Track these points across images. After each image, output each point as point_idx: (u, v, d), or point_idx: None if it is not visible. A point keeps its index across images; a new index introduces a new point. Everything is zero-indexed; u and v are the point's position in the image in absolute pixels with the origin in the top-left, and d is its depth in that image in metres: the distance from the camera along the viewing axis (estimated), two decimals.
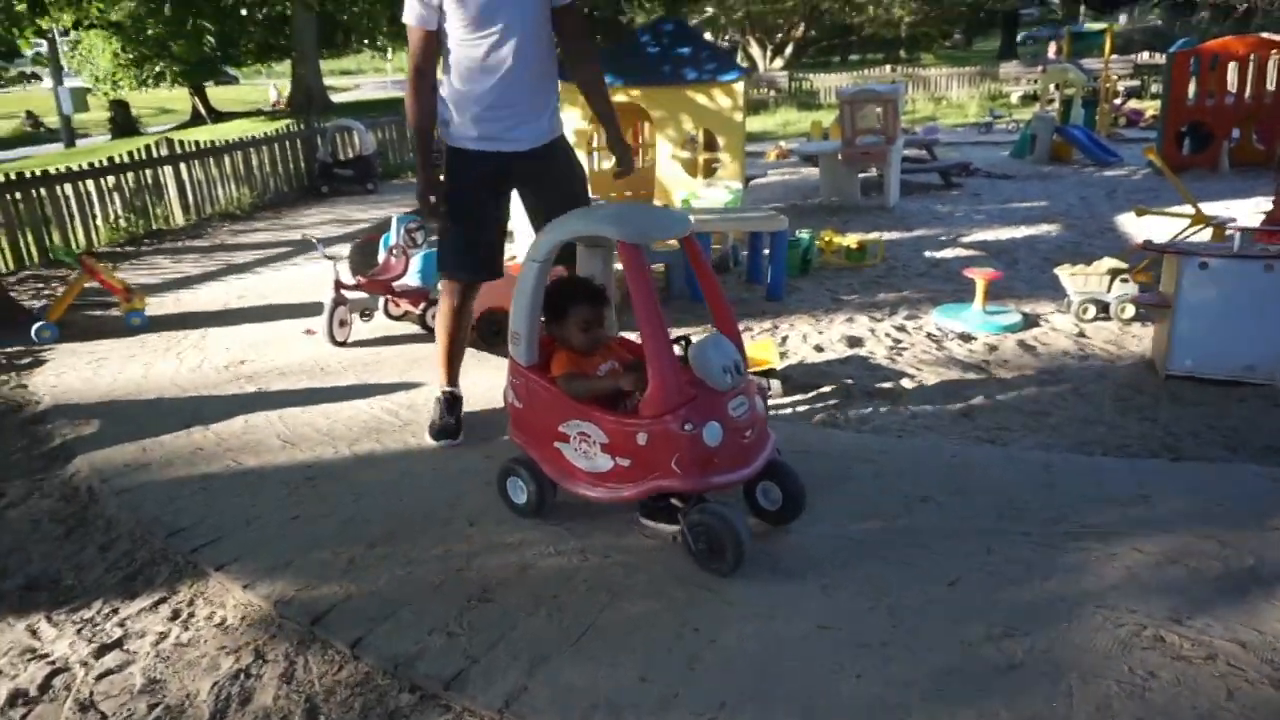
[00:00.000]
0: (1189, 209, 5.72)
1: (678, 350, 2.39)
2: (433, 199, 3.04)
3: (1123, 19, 37.40)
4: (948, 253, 6.56)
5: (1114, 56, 16.18)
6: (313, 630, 2.20)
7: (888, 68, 24.20)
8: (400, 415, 3.54)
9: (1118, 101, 15.51)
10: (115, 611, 2.38)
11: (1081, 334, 4.60)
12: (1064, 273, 4.90)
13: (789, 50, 30.17)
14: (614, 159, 3.22)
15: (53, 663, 2.18)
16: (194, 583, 2.48)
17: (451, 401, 3.29)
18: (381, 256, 5.01)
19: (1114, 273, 4.75)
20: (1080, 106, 12.16)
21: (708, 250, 5.35)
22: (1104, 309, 4.78)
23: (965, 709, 1.79)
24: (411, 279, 4.78)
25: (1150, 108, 15.11)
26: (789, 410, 3.65)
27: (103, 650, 2.21)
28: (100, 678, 2.11)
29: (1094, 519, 2.52)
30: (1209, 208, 6.25)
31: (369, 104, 24.08)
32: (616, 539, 2.51)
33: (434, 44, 2.96)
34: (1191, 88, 10.13)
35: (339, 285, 4.52)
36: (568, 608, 2.21)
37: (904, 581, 2.25)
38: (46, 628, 2.33)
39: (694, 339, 2.47)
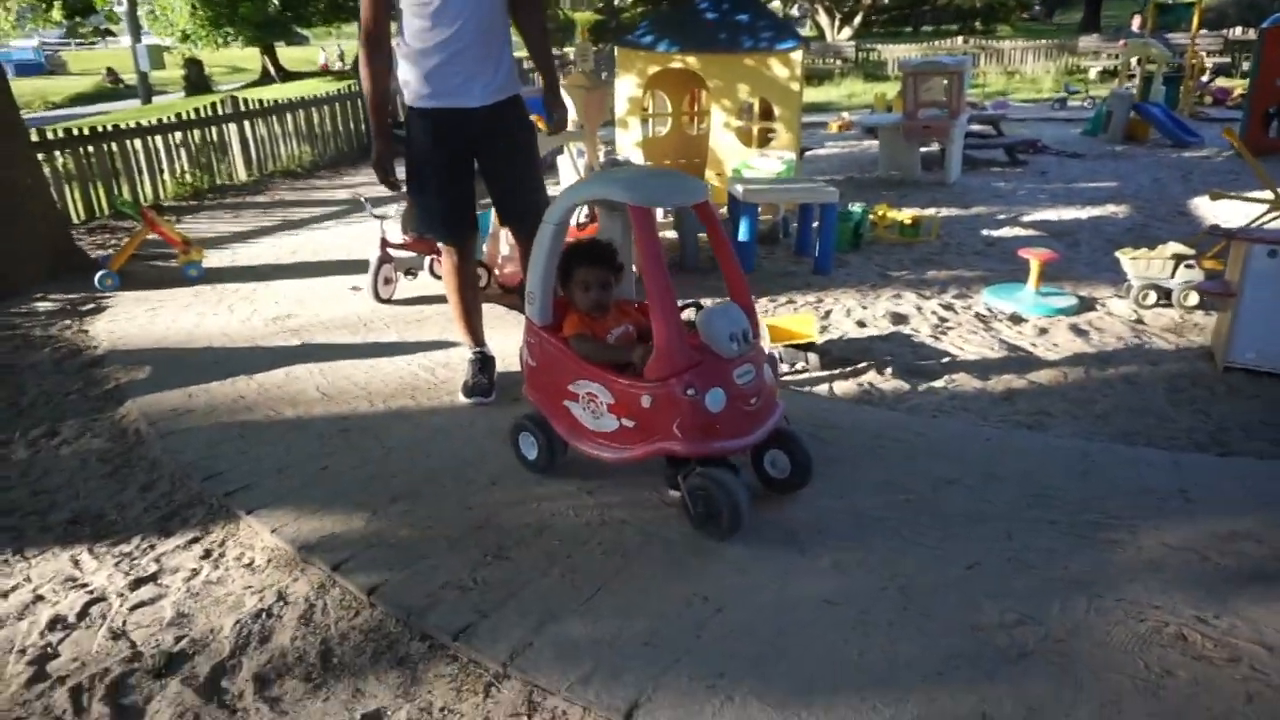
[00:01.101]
0: (1268, 194, 5.45)
1: (691, 315, 2.39)
2: (384, 169, 3.10)
3: None
4: (1006, 232, 6.36)
5: (1203, 31, 15.39)
6: (333, 576, 2.26)
7: (960, 39, 23.39)
8: (436, 373, 3.59)
9: (1204, 79, 14.78)
10: (152, 548, 2.48)
11: (1139, 320, 4.43)
12: (1125, 256, 4.71)
13: (858, 19, 29.37)
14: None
15: (91, 592, 2.29)
16: (226, 525, 2.57)
17: (483, 361, 3.34)
18: None
19: (1178, 258, 4.55)
20: (1161, 83, 11.61)
21: (754, 220, 5.28)
22: (1166, 295, 4.59)
23: (967, 694, 1.76)
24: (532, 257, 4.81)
25: (1239, 86, 14.34)
26: (825, 385, 3.60)
27: (138, 583, 2.31)
28: (134, 609, 2.21)
29: (1125, 510, 2.45)
30: None
31: None
32: (636, 504, 2.52)
33: (386, 6, 2.96)
34: None
35: (385, 244, 4.58)
36: (580, 569, 2.23)
37: (920, 562, 2.22)
38: (88, 559, 2.44)
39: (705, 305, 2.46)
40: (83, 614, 2.20)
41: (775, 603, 2.08)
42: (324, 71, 26.85)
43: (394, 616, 2.10)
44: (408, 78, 3.06)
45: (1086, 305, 4.63)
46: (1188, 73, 12.61)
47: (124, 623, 2.16)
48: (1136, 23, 21.02)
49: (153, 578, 2.34)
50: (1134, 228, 6.38)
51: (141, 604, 2.23)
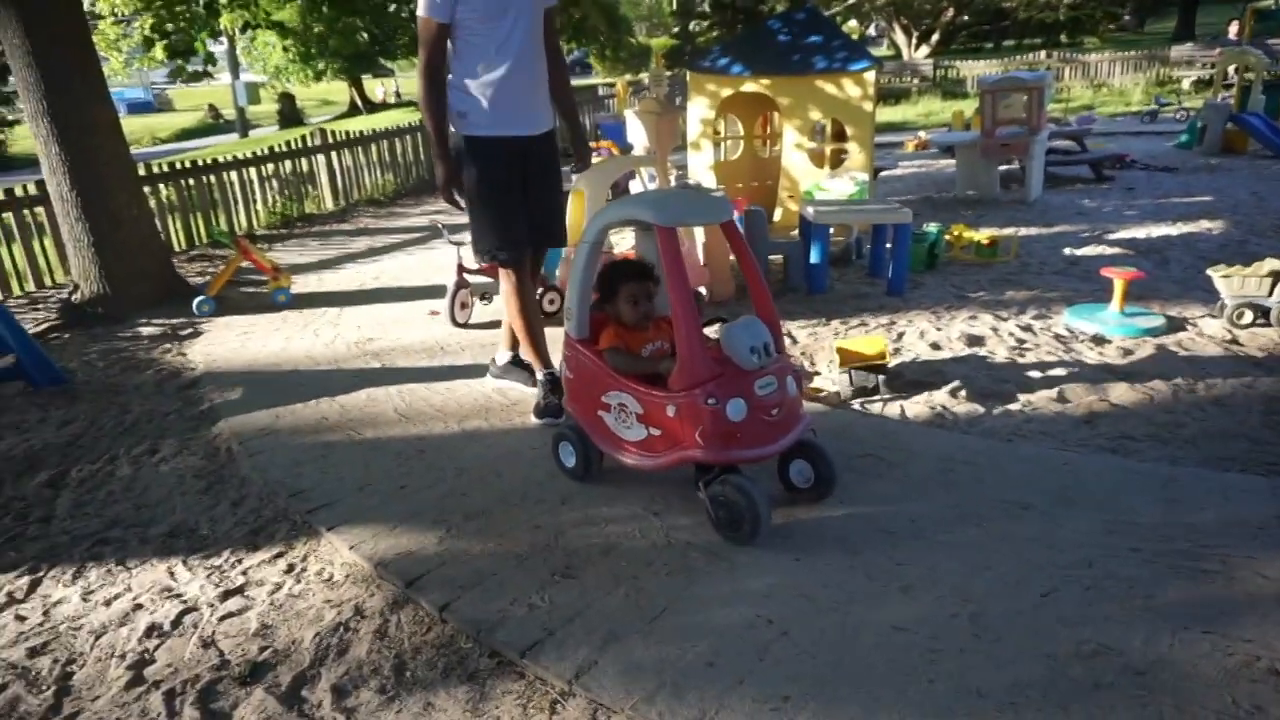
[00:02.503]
0: None
1: (715, 331, 2.51)
2: (454, 191, 3.24)
3: None
4: (1089, 250, 6.16)
5: None
6: (407, 592, 2.34)
7: (1042, 54, 22.80)
8: (509, 395, 3.68)
9: None
10: (240, 561, 2.61)
11: (1233, 340, 4.23)
12: (1217, 274, 4.51)
13: (936, 37, 28.94)
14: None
15: (185, 602, 2.42)
16: (308, 540, 2.69)
17: (553, 382, 3.40)
18: None
19: (1276, 275, 4.34)
20: (1260, 92, 11.09)
21: (826, 241, 5.25)
22: (1263, 314, 4.38)
23: None
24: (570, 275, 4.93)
25: None
26: (896, 407, 3.55)
27: (227, 595, 2.44)
28: (223, 619, 2.33)
29: (1215, 539, 2.34)
30: None
31: None
32: (701, 527, 2.53)
33: (447, 36, 3.12)
34: None
35: (462, 269, 4.73)
36: (646, 589, 2.26)
37: (992, 590, 2.17)
38: (182, 570, 2.58)
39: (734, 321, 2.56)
40: (177, 623, 2.33)
41: (841, 627, 2.06)
42: (383, 104, 27.91)
43: (464, 633, 2.16)
44: (465, 108, 3.20)
45: (1176, 326, 4.44)
46: None
47: (213, 632, 2.28)
48: (1234, 29, 20.14)
49: (240, 590, 2.46)
50: (1230, 244, 6.10)
51: (230, 615, 2.34)
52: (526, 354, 3.49)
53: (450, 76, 3.22)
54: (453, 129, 3.26)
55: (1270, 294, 4.35)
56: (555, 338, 3.55)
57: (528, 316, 3.40)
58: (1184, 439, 3.23)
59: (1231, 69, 11.84)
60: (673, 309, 2.44)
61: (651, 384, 2.56)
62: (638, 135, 6.00)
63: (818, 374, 3.95)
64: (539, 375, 3.45)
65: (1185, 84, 17.97)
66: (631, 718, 1.82)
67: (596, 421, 2.72)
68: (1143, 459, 3.01)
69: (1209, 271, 4.62)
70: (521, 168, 3.28)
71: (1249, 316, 4.38)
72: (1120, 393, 3.64)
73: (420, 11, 3.10)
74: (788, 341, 4.42)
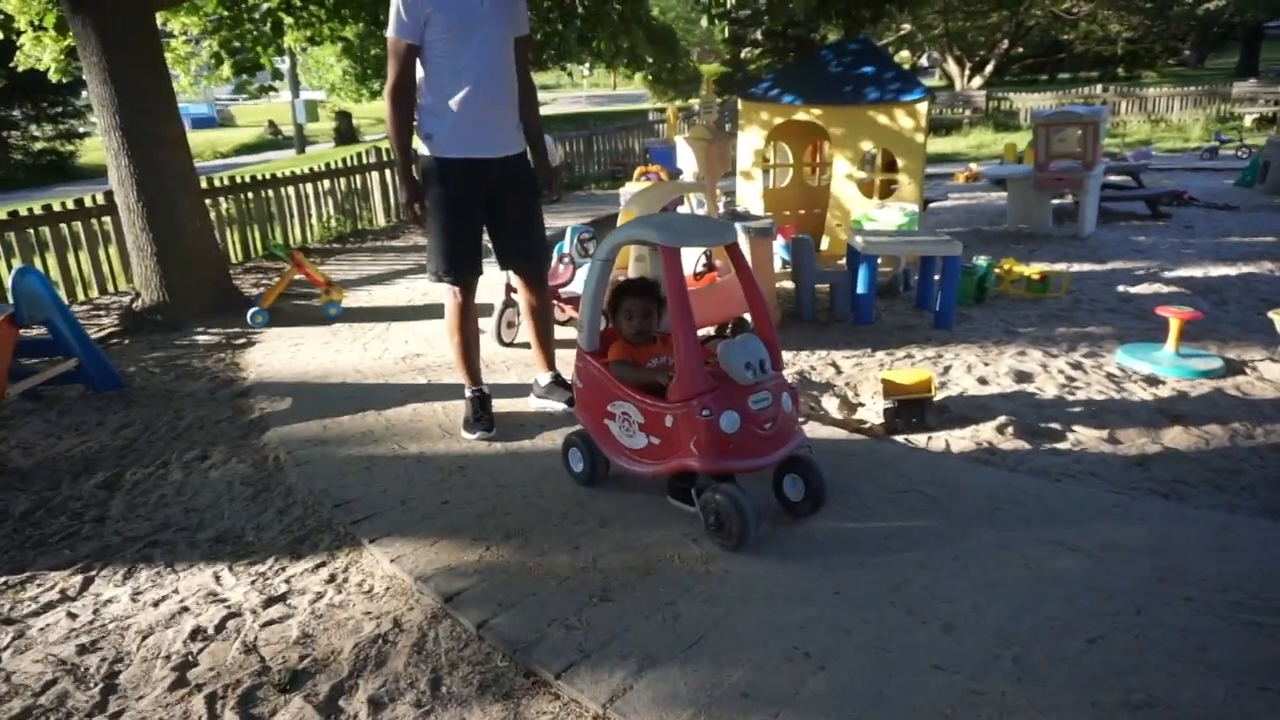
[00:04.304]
0: None
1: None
2: (416, 206, 3.31)
3: None
4: (1144, 288, 6.04)
5: None
6: (445, 608, 2.36)
7: (1099, 87, 22.49)
8: (553, 415, 3.70)
9: None
10: (283, 569, 2.66)
11: None
12: (1277, 316, 4.39)
13: (990, 68, 28.73)
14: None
15: (229, 607, 2.47)
16: (350, 551, 2.73)
17: (481, 399, 3.53)
18: (552, 263, 5.26)
19: None
20: None
21: (874, 271, 5.21)
22: None
23: None
24: (577, 286, 4.98)
25: None
26: (941, 442, 3.50)
27: (270, 602, 2.48)
28: (265, 625, 2.37)
29: (1272, 593, 2.27)
30: None
31: (561, 118, 25.18)
32: (742, 557, 2.52)
33: (414, 61, 3.20)
34: None
35: (509, 289, 4.78)
36: (683, 616, 2.25)
37: (1037, 632, 2.12)
38: (228, 576, 2.64)
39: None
40: (220, 627, 2.37)
41: (880, 663, 2.03)
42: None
43: (501, 650, 2.17)
44: (431, 130, 3.28)
45: (1234, 368, 4.32)
46: None
47: (255, 638, 2.32)
48: None
49: (283, 598, 2.50)
50: None
51: (271, 622, 2.38)
52: (457, 367, 3.59)
53: (419, 100, 3.30)
54: (423, 150, 3.34)
55: None
56: (565, 350, 3.62)
57: (463, 337, 3.52)
58: (1241, 486, 3.14)
59: None
60: (671, 325, 2.58)
61: (654, 395, 2.69)
62: (688, 161, 6.03)
63: (861, 405, 3.91)
64: (467, 392, 3.57)
65: (1247, 120, 17.58)
66: None
67: (603, 429, 2.87)
68: (1197, 505, 2.93)
69: (1270, 314, 4.50)
70: (487, 190, 3.36)
71: None
72: (1174, 435, 3.55)
73: (389, 33, 3.19)
74: (831, 371, 4.39)
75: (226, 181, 7.90)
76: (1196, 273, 6.46)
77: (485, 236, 3.52)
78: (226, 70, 8.33)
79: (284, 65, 25.23)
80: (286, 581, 2.58)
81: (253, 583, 2.59)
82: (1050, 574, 2.38)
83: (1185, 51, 33.86)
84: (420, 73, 3.27)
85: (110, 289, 6.75)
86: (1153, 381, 4.19)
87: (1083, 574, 2.38)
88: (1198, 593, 2.28)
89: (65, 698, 2.11)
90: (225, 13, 7.59)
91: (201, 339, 5.33)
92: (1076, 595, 2.28)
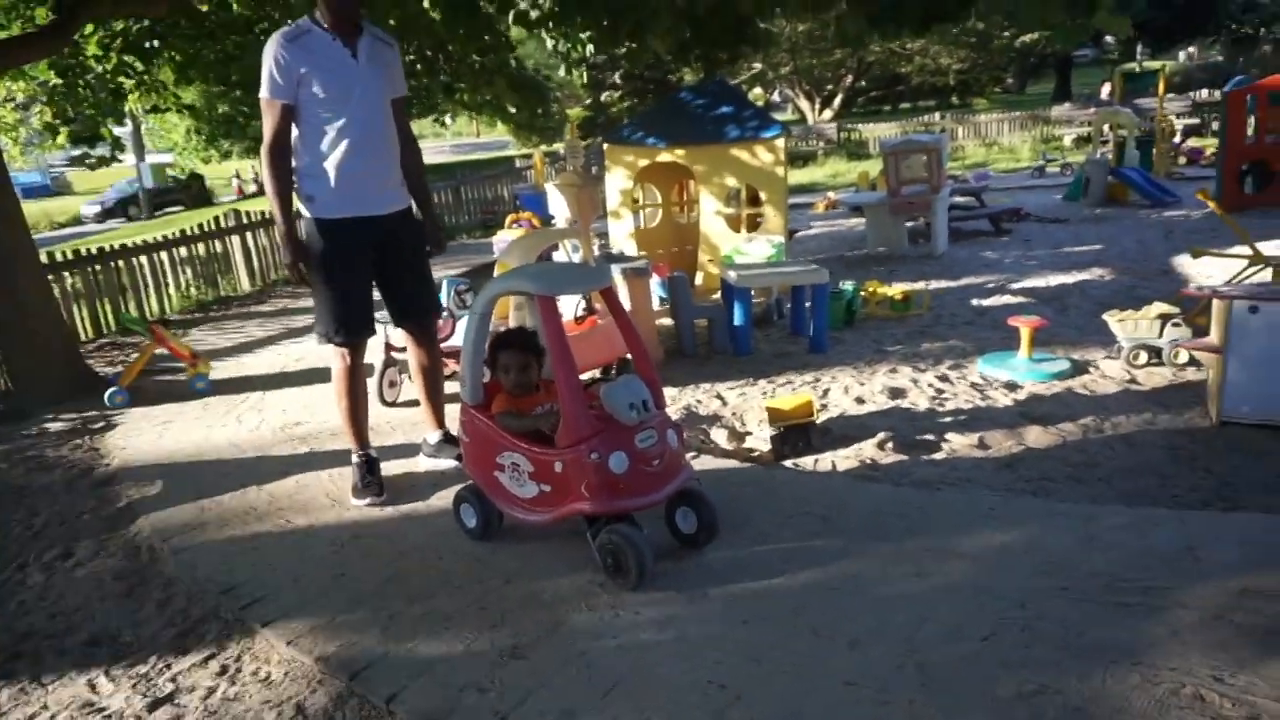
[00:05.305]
0: (1247, 249, 5.60)
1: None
2: (301, 266, 3.26)
3: (1182, 56, 36.85)
4: (996, 300, 6.49)
5: (1171, 95, 15.92)
6: (351, 685, 2.27)
7: (937, 115, 24.17)
8: (446, 474, 3.63)
9: (1176, 140, 15.22)
10: (168, 667, 2.49)
11: (1133, 380, 4.50)
12: (1112, 319, 4.81)
13: (838, 101, 30.41)
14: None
15: (108, 717, 2.28)
16: (242, 639, 2.58)
17: (369, 463, 3.47)
18: None
19: (1164, 317, 4.65)
20: (1134, 148, 11.98)
21: (748, 304, 5.39)
22: (1156, 354, 4.67)
23: None
24: (457, 339, 4.92)
25: (1210, 146, 14.78)
26: (828, 463, 3.64)
27: (155, 704, 2.31)
28: None
29: (1136, 574, 2.46)
30: (1271, 247, 6.09)
31: (428, 168, 24.98)
32: (648, 598, 2.54)
33: (289, 120, 3.18)
34: (1251, 126, 9.93)
35: (389, 348, 4.68)
36: (596, 664, 2.24)
37: (935, 638, 2.23)
38: (104, 682, 2.45)
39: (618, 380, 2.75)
40: None
41: (794, 686, 2.08)
42: (240, 195, 27.61)
43: None
44: (313, 192, 3.25)
45: (1080, 369, 4.70)
46: (1158, 136, 13.02)
47: None
48: (1105, 90, 21.75)
49: (170, 698, 2.34)
50: (1120, 289, 6.51)
51: None
52: (344, 430, 3.51)
53: (296, 163, 3.26)
54: (305, 213, 3.29)
55: (1160, 335, 4.65)
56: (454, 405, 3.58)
57: (352, 400, 3.45)
58: (1098, 477, 3.41)
59: (1106, 127, 12.77)
60: (554, 371, 2.63)
61: (541, 443, 2.72)
62: (559, 207, 6.10)
63: (749, 434, 4.02)
64: (354, 458, 3.49)
65: (1067, 140, 19.25)
66: None
67: (493, 482, 2.86)
68: (1063, 499, 3.15)
69: (1105, 316, 4.92)
70: (374, 248, 3.33)
71: (1144, 357, 4.67)
72: (1035, 436, 3.82)
73: (263, 93, 3.14)
74: (718, 404, 4.50)
75: (70, 254, 7.42)
76: (1039, 283, 7.00)
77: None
78: (62, 139, 7.87)
79: (125, 130, 24.00)
80: (173, 680, 2.42)
81: (134, 685, 2.41)
82: (940, 581, 2.51)
83: (1009, 80, 36.88)
84: (296, 134, 3.21)
85: None
86: (1012, 387, 4.50)
87: (970, 577, 2.52)
88: (1072, 582, 2.45)
89: None
90: (58, 80, 7.17)
91: (53, 426, 4.96)
92: (966, 598, 2.41)
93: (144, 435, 4.59)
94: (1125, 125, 11.82)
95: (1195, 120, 18.75)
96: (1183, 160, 14.27)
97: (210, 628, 2.66)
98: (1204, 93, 20.55)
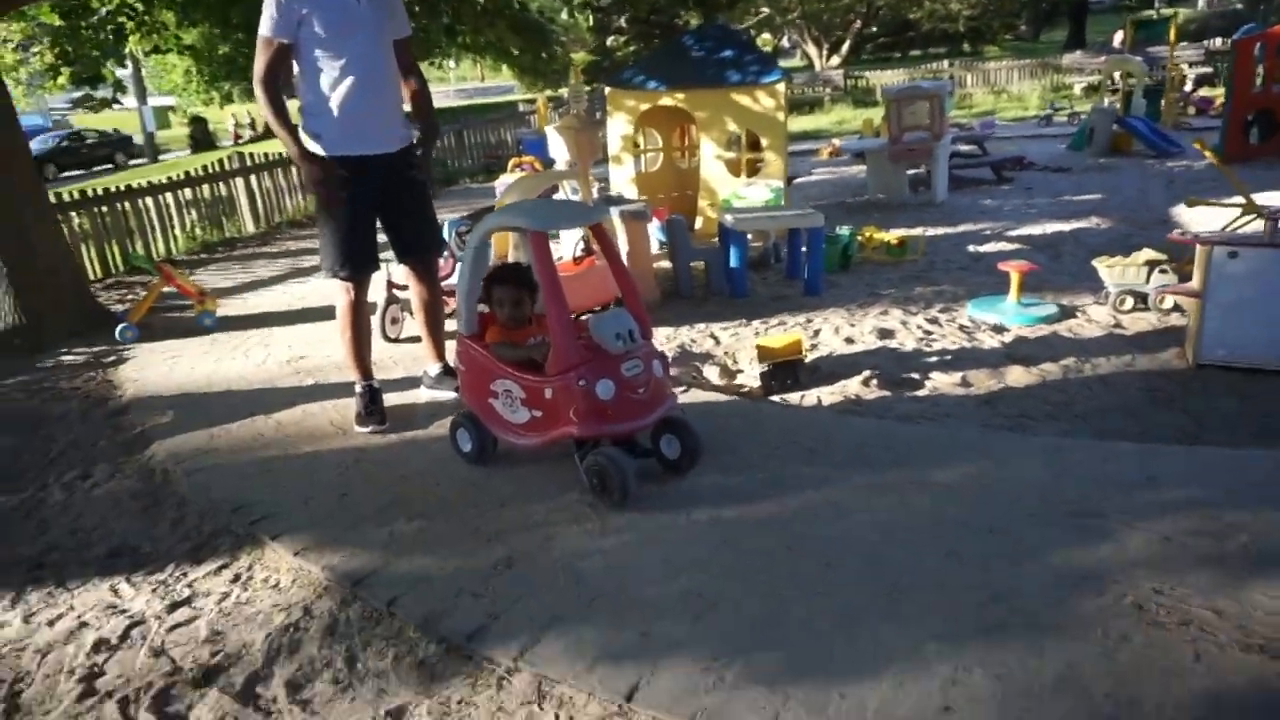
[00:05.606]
0: (1241, 199, 5.63)
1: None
2: (324, 181, 3.31)
3: (1201, 2, 36.07)
4: (991, 247, 6.56)
5: (1184, 43, 15.68)
6: (354, 590, 2.43)
7: (946, 62, 23.82)
8: (444, 404, 3.77)
9: (1186, 89, 15.06)
10: (185, 575, 2.66)
11: (1117, 325, 4.60)
12: (1101, 264, 4.89)
13: (846, 47, 29.94)
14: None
15: (131, 617, 2.46)
16: (253, 551, 2.75)
17: (372, 393, 3.61)
18: None
19: (1152, 264, 4.73)
20: (1142, 97, 11.88)
21: (745, 247, 5.48)
22: (1143, 300, 4.76)
23: (941, 663, 1.92)
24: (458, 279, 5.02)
25: (1219, 96, 14.62)
26: (814, 399, 3.77)
27: (174, 606, 2.49)
28: (171, 629, 2.38)
29: (1097, 501, 2.60)
30: (1272, 198, 6.12)
31: None
32: (636, 519, 2.68)
33: (286, 55, 3.26)
34: (1259, 75, 9.84)
35: (391, 285, 4.80)
36: (584, 576, 2.40)
37: (906, 557, 2.37)
38: (126, 588, 2.62)
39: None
40: (124, 636, 2.37)
41: (769, 598, 2.23)
42: (236, 140, 27.04)
43: (412, 623, 2.27)
44: (317, 129, 3.33)
45: (1067, 313, 4.80)
46: (1168, 85, 12.89)
47: (163, 642, 2.33)
48: (1118, 39, 21.37)
49: (187, 601, 2.51)
50: (1116, 238, 6.56)
51: (178, 625, 2.40)
52: (348, 362, 3.64)
53: (300, 101, 3.35)
54: (312, 149, 3.36)
55: (1147, 281, 4.74)
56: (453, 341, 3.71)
57: (356, 333, 3.57)
58: (1074, 415, 3.53)
59: (1116, 75, 12.65)
60: (545, 303, 2.76)
61: (533, 371, 2.86)
62: (559, 150, 6.15)
63: (740, 371, 4.15)
64: (357, 388, 3.62)
65: (1076, 89, 19.02)
66: (574, 685, 1.97)
67: (488, 408, 3.02)
68: (1038, 434, 3.28)
69: (1094, 263, 5.00)
70: (377, 185, 3.42)
71: (1130, 303, 4.76)
72: (1017, 376, 3.94)
73: (262, 30, 3.21)
74: (711, 343, 4.62)
75: (78, 195, 7.50)
76: (1036, 230, 7.05)
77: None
78: (64, 80, 7.89)
79: (127, 72, 23.79)
80: (189, 586, 2.59)
81: (154, 591, 2.58)
82: (917, 507, 2.65)
83: (1022, 26, 36.18)
84: (298, 73, 3.30)
85: None
86: (999, 330, 4.60)
87: (945, 503, 2.66)
88: (1041, 508, 2.59)
89: None
90: (60, 22, 7.17)
91: (67, 359, 5.10)
92: (939, 523, 2.55)
93: (155, 368, 4.73)
94: (1135, 74, 11.71)
95: (1209, 69, 18.49)
96: (1191, 110, 14.13)
97: (223, 541, 2.83)
98: (1218, 41, 20.21)
